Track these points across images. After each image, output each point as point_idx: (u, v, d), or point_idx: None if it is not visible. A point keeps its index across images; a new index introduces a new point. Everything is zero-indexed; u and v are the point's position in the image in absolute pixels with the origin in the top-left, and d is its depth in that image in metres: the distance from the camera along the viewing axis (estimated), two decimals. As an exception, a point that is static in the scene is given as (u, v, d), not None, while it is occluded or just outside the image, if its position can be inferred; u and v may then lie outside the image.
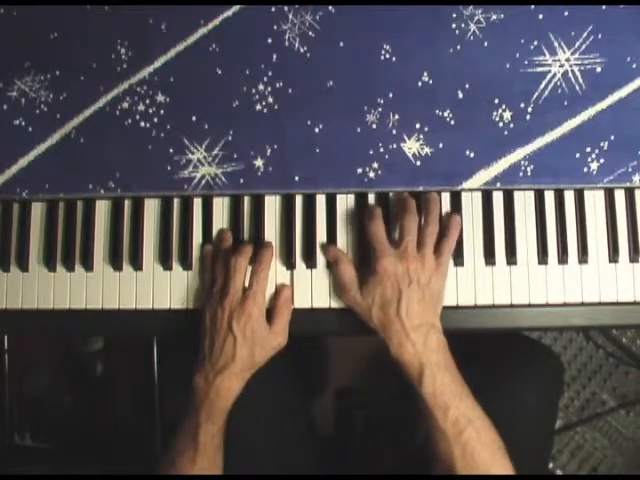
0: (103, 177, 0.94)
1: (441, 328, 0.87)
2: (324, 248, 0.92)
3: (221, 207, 0.94)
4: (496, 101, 0.92)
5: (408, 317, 0.84)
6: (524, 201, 0.92)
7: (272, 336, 0.88)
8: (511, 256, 0.91)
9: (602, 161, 0.91)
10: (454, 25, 0.93)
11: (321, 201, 0.94)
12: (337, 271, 0.89)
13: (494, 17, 0.93)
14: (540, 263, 0.91)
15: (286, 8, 0.94)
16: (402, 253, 0.85)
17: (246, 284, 0.89)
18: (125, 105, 0.95)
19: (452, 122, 0.92)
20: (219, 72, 0.95)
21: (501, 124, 0.92)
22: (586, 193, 0.92)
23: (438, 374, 0.83)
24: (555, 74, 0.92)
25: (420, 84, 0.93)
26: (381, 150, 0.93)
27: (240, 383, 0.88)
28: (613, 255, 0.90)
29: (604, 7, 0.92)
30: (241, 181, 0.94)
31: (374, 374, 1.31)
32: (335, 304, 0.91)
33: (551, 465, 1.42)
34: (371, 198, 0.93)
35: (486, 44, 0.93)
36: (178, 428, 0.88)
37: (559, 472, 1.43)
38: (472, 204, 0.92)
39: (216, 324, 0.87)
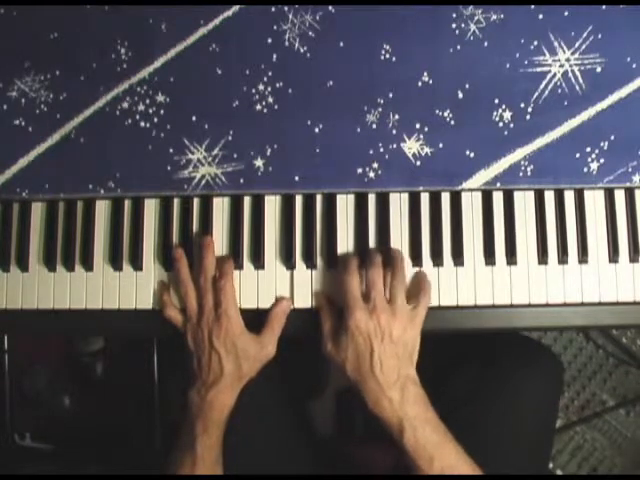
0: (103, 177, 0.94)
1: (417, 379, 0.86)
2: (324, 248, 0.92)
3: (221, 207, 0.94)
4: (496, 101, 0.92)
5: (383, 373, 0.84)
6: (524, 201, 0.92)
7: (257, 347, 0.88)
8: (511, 256, 0.91)
9: (602, 161, 0.91)
10: (454, 25, 0.93)
11: (321, 201, 0.94)
12: (319, 318, 0.89)
13: (494, 17, 0.93)
14: (540, 263, 0.91)
15: (286, 8, 0.94)
16: (372, 308, 0.84)
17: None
18: (125, 105, 0.95)
19: (452, 122, 0.92)
20: (219, 72, 0.95)
21: (501, 124, 0.92)
22: (586, 193, 0.92)
23: (419, 427, 0.83)
24: (555, 74, 0.92)
25: (420, 84, 0.93)
26: (381, 150, 0.93)
27: (232, 395, 0.89)
28: (613, 255, 0.90)
29: (604, 7, 0.92)
30: (241, 181, 0.94)
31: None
32: (335, 304, 0.90)
33: (551, 465, 1.42)
34: (371, 198, 0.93)
35: (486, 44, 0.93)
36: (174, 443, 0.89)
37: (559, 472, 1.43)
38: (472, 204, 0.92)
39: (199, 344, 0.88)
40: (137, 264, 0.93)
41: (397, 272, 0.87)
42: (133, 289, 0.93)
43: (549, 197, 0.92)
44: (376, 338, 0.84)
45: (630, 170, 0.91)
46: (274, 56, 0.94)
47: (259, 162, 0.93)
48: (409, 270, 0.90)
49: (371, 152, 0.93)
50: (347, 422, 1.37)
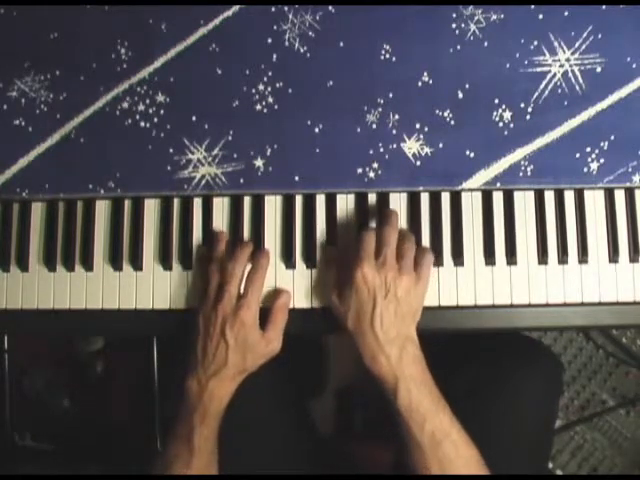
0: (103, 177, 0.94)
1: (417, 340, 0.86)
2: (324, 248, 0.92)
3: (221, 207, 0.94)
4: (496, 101, 0.92)
5: (382, 329, 0.83)
6: (524, 201, 0.92)
7: (264, 342, 0.88)
8: (511, 256, 0.91)
9: (602, 161, 0.91)
10: (454, 25, 0.93)
11: (321, 201, 0.94)
12: (328, 269, 0.90)
13: (494, 17, 0.93)
14: (540, 263, 0.91)
15: (286, 8, 0.94)
16: (381, 263, 0.84)
17: (241, 290, 0.88)
18: (125, 105, 0.95)
19: (452, 122, 0.92)
20: (219, 72, 0.95)
21: (501, 124, 0.92)
22: (586, 193, 0.92)
23: (414, 388, 0.83)
24: (555, 74, 0.92)
25: (420, 84, 0.93)
26: (381, 150, 0.93)
27: (232, 386, 0.88)
28: (613, 255, 0.90)
29: (604, 7, 0.92)
30: (241, 181, 0.94)
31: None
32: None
33: (551, 465, 1.42)
34: (371, 198, 0.93)
35: (486, 44, 0.93)
36: (171, 432, 0.88)
37: (559, 472, 1.43)
38: (472, 204, 0.92)
39: (209, 329, 0.86)
40: (137, 264, 0.93)
41: (408, 235, 0.88)
42: (133, 289, 0.93)
43: (549, 197, 0.92)
44: (380, 293, 0.84)
45: (630, 170, 0.91)
46: (274, 56, 0.94)
47: (259, 162, 0.93)
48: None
49: (371, 152, 0.93)
50: (347, 421, 1.37)
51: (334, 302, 0.87)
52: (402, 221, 0.92)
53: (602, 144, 0.91)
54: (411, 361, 0.84)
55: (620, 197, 0.92)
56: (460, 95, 0.92)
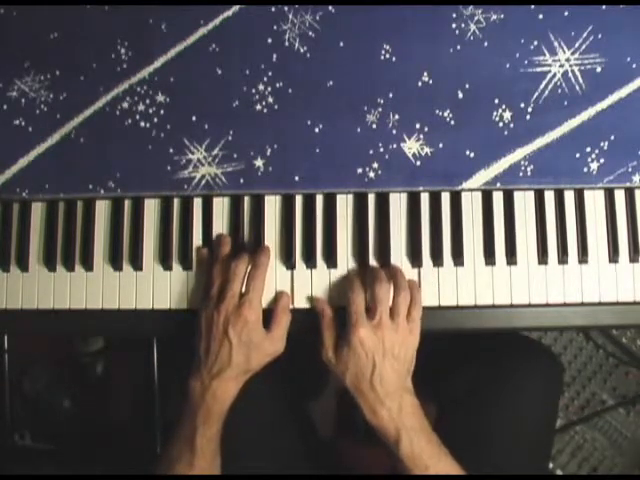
0: (103, 177, 0.94)
1: (412, 389, 0.87)
2: (324, 248, 0.92)
3: (221, 207, 0.94)
4: (496, 101, 0.92)
5: (382, 386, 0.85)
6: (524, 201, 0.92)
7: (268, 342, 0.88)
8: (511, 256, 0.91)
9: (602, 161, 0.91)
10: (454, 25, 0.93)
11: (321, 201, 0.94)
12: (319, 326, 0.89)
13: (494, 17, 0.93)
14: (540, 263, 0.91)
15: (286, 8, 0.94)
16: (377, 324, 0.85)
17: (243, 289, 0.88)
18: (125, 105, 0.95)
19: (452, 122, 0.92)
20: (219, 72, 0.95)
21: (501, 124, 0.92)
22: (586, 193, 0.92)
23: (415, 437, 0.84)
24: (555, 74, 0.92)
25: (420, 84, 0.93)
26: (381, 150, 0.93)
27: (236, 387, 0.88)
28: (613, 255, 0.90)
29: (604, 7, 0.92)
30: (241, 181, 0.94)
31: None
32: (334, 304, 0.90)
33: (551, 465, 1.42)
34: (371, 198, 0.93)
35: (486, 44, 0.93)
36: (174, 432, 0.88)
37: (559, 472, 1.43)
38: (472, 204, 0.92)
39: (212, 329, 0.86)
40: (137, 264, 0.93)
41: (400, 289, 0.87)
42: (133, 289, 0.93)
43: (549, 197, 0.92)
44: (378, 354, 0.85)
45: (630, 170, 0.91)
46: (274, 56, 0.94)
47: (259, 162, 0.93)
48: (408, 271, 0.91)
49: (371, 152, 0.93)
50: (348, 422, 1.37)
51: (329, 361, 0.87)
52: (402, 221, 0.92)
53: (602, 144, 0.91)
54: (410, 412, 0.85)
55: (620, 197, 0.92)
56: (460, 95, 0.92)
